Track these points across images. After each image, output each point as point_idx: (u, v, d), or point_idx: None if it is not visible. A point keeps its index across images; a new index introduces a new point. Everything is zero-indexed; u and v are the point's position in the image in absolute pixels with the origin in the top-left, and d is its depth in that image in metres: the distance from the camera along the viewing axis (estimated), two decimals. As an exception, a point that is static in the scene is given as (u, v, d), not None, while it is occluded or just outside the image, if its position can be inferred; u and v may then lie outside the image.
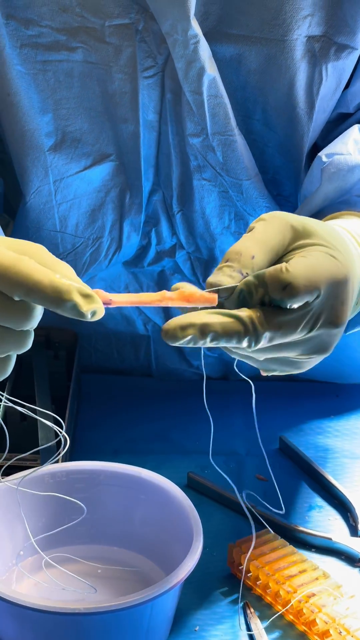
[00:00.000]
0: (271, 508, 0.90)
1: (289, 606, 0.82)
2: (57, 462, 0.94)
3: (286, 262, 0.73)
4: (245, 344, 0.71)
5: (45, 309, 0.68)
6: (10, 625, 0.77)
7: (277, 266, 0.72)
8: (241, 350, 0.73)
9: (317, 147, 1.02)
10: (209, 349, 1.16)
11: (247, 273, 0.72)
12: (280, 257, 0.75)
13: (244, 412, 1.15)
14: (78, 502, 0.83)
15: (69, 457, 1.01)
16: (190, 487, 1.00)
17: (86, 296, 0.66)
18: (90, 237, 1.05)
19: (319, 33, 0.95)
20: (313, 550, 0.92)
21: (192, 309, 0.72)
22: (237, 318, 0.70)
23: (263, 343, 0.71)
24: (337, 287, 0.74)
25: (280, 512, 0.96)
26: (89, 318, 0.67)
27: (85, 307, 0.66)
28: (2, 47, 0.95)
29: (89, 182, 1.03)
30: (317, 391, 1.19)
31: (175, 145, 1.01)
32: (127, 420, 1.12)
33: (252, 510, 0.95)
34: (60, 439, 0.96)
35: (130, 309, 1.14)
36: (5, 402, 0.75)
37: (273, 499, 0.99)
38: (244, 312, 0.71)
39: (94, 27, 0.94)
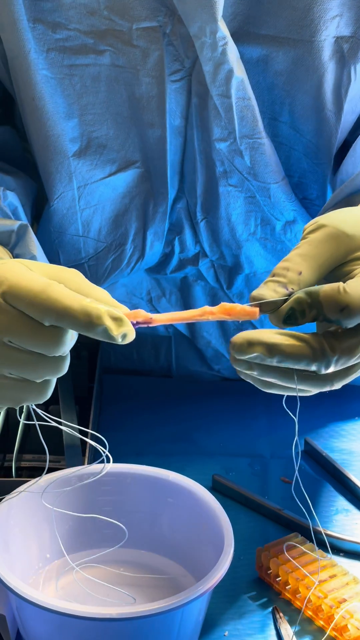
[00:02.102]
0: (304, 508, 0.89)
1: (329, 619, 0.81)
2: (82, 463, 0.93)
3: (343, 279, 0.72)
4: (314, 367, 0.70)
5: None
6: (40, 630, 0.76)
7: (334, 285, 0.71)
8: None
9: (345, 149, 1.00)
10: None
11: (292, 289, 0.72)
12: (333, 270, 0.74)
13: (266, 413, 1.14)
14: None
15: (93, 459, 1.00)
16: (215, 489, 0.99)
17: (116, 319, 0.67)
18: (113, 243, 1.04)
19: (348, 34, 0.93)
20: (341, 554, 0.91)
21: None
22: (306, 342, 0.70)
23: (333, 367, 0.70)
24: None
25: (307, 516, 0.95)
26: (120, 341, 0.67)
27: (115, 331, 0.66)
28: (27, 51, 0.94)
29: (113, 188, 1.02)
30: (341, 393, 1.17)
31: (201, 151, 0.99)
32: (149, 421, 1.11)
33: (280, 513, 0.95)
34: (85, 442, 0.96)
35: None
36: (45, 419, 0.75)
37: (299, 502, 0.99)
38: (312, 337, 0.70)
39: (121, 30, 0.93)
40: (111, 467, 0.88)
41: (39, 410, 0.74)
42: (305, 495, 0.91)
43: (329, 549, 0.91)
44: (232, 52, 0.91)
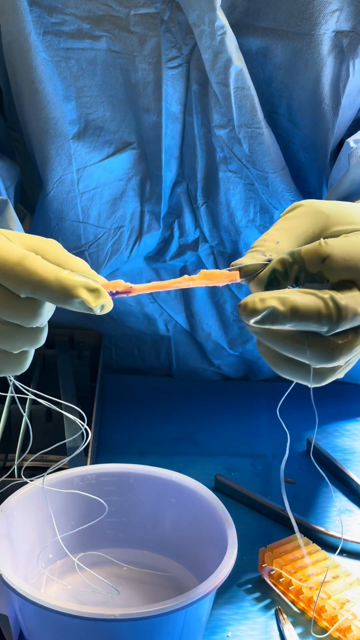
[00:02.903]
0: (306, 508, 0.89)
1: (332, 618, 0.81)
2: (84, 462, 0.93)
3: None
4: (325, 325, 0.67)
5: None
6: (43, 630, 0.76)
7: (314, 242, 0.69)
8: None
9: (343, 145, 1.00)
10: (230, 346, 1.15)
11: (271, 255, 0.70)
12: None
13: (268, 413, 1.14)
14: (102, 501, 0.82)
15: (95, 459, 1.00)
16: (218, 489, 0.99)
17: (93, 291, 0.65)
18: (112, 227, 1.05)
19: (347, 28, 0.93)
20: (344, 555, 0.91)
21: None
22: (316, 295, 0.67)
23: (343, 323, 0.67)
24: None
25: (310, 516, 0.95)
26: (97, 312, 0.66)
27: (93, 302, 0.65)
28: (28, 33, 0.95)
29: (110, 171, 1.02)
30: (342, 392, 1.17)
31: (200, 136, 1.00)
32: (152, 421, 1.11)
33: (282, 513, 0.94)
34: (87, 439, 0.96)
35: (153, 307, 1.13)
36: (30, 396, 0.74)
37: (302, 503, 0.98)
38: (319, 291, 0.68)
39: (119, 16, 0.94)
40: (114, 467, 0.88)
41: (17, 383, 0.74)
42: (307, 496, 0.91)
43: (332, 549, 0.90)
44: (231, 42, 0.92)
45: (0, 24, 0.96)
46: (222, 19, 0.91)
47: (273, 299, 0.66)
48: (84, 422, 0.75)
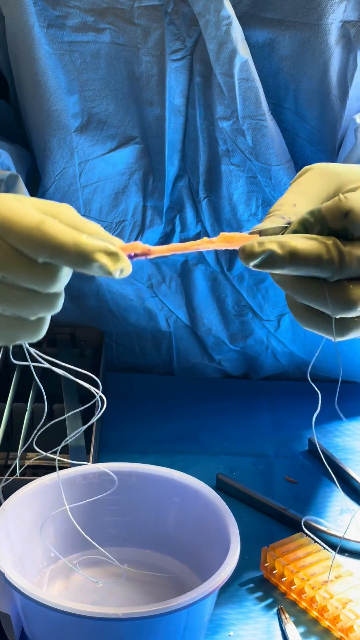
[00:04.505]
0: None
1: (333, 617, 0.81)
2: (88, 453, 0.93)
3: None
4: (327, 270, 0.66)
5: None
6: (45, 629, 0.76)
7: (334, 199, 0.67)
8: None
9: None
10: (231, 341, 1.15)
11: (290, 218, 0.69)
12: None
13: (270, 412, 1.14)
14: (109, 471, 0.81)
15: (97, 458, 1.00)
16: (220, 489, 0.99)
17: (112, 254, 0.64)
18: (114, 221, 1.05)
19: (355, 18, 0.94)
20: (346, 554, 0.91)
21: None
22: (318, 240, 0.66)
23: (347, 269, 0.66)
24: None
25: (311, 515, 0.95)
26: (117, 276, 0.64)
27: (112, 266, 0.63)
28: (31, 25, 0.94)
29: (113, 165, 1.02)
30: (344, 392, 1.17)
31: (203, 129, 1.00)
32: (153, 420, 1.11)
33: (285, 512, 0.94)
34: (90, 441, 0.96)
35: (154, 302, 1.13)
36: (40, 362, 0.72)
37: (303, 502, 0.98)
38: (323, 237, 0.66)
39: (122, 8, 0.94)
40: (116, 465, 0.88)
41: (32, 350, 0.72)
42: (308, 495, 0.91)
43: (334, 549, 0.90)
44: (237, 32, 0.92)
45: (4, 15, 0.96)
46: (228, 8, 0.90)
47: (272, 242, 0.65)
48: (98, 389, 0.74)
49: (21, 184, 0.91)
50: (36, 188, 1.06)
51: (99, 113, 0.99)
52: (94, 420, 0.77)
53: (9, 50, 0.99)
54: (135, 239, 1.06)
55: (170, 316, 1.15)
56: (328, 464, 1.03)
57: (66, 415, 0.98)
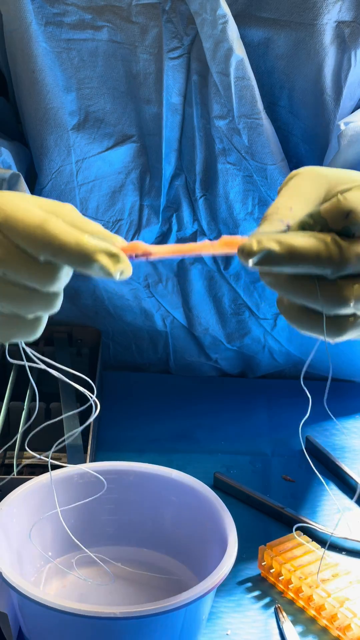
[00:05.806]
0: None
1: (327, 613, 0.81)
2: (85, 453, 0.93)
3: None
4: (328, 268, 0.65)
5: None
6: (42, 628, 0.76)
7: (331, 200, 0.67)
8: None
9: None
10: (228, 340, 1.15)
11: (289, 221, 0.68)
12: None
13: (267, 411, 1.14)
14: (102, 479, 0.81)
15: (94, 457, 1.00)
16: (217, 487, 0.99)
17: (113, 256, 0.64)
18: (110, 220, 1.05)
19: (349, 18, 0.94)
20: (344, 553, 0.91)
21: None
22: (317, 238, 0.65)
23: (348, 266, 0.65)
24: None
25: (309, 514, 0.95)
26: (117, 278, 0.64)
27: (112, 268, 0.64)
28: (29, 22, 0.95)
29: (110, 164, 1.02)
30: (341, 390, 1.17)
31: (200, 128, 1.00)
32: (151, 418, 1.11)
33: (282, 511, 0.94)
34: (87, 440, 0.96)
35: (151, 302, 1.13)
36: (35, 362, 0.73)
37: (301, 500, 0.98)
38: (322, 234, 0.66)
39: (120, 6, 0.94)
40: (113, 464, 0.88)
41: (28, 349, 0.72)
42: (305, 494, 0.91)
43: (331, 547, 0.90)
44: (232, 31, 0.92)
45: (2, 12, 0.96)
46: (224, 7, 0.91)
47: (270, 240, 0.65)
48: (92, 393, 0.74)
49: (23, 183, 0.92)
50: (33, 186, 1.06)
51: (96, 111, 0.99)
52: (89, 422, 0.77)
53: (7, 48, 0.99)
54: (132, 238, 1.06)
55: (167, 316, 1.15)
56: (325, 463, 1.03)
57: (63, 416, 0.98)
